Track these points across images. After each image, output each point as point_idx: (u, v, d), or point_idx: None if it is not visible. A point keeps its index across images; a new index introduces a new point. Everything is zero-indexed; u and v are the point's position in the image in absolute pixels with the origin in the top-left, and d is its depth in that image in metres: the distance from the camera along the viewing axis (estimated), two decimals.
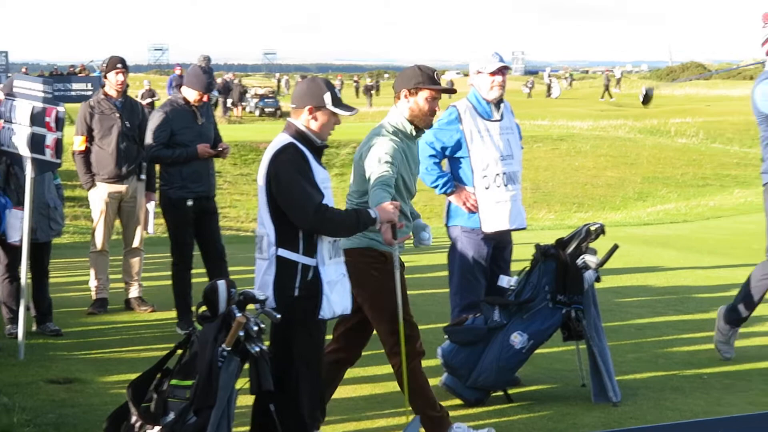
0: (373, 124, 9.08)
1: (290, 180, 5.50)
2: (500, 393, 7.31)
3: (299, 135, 5.67)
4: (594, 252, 7.28)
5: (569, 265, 7.17)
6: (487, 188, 7.52)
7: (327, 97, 5.67)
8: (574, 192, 27.05)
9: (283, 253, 5.54)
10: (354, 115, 5.84)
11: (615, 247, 7.50)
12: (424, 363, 6.38)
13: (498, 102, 7.65)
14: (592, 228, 7.30)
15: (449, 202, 7.73)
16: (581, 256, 7.21)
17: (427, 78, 6.36)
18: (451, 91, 6.79)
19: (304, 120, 5.69)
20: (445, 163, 7.72)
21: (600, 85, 78.18)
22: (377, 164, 6.10)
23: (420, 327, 6.38)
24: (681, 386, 7.74)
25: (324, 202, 5.52)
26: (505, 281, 7.34)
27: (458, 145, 7.57)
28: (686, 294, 11.47)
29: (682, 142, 38.82)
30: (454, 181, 7.62)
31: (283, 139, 5.69)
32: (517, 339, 7.07)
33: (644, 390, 7.61)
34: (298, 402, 5.59)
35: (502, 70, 7.61)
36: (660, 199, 26.71)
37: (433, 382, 6.58)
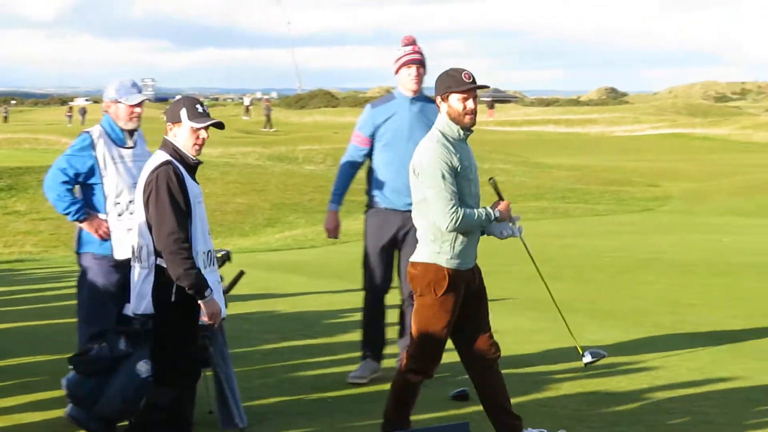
0: None
1: (156, 201, 5.99)
2: None
3: (174, 152, 6.13)
4: (220, 278, 7.41)
5: None
6: (119, 215, 7.53)
7: (183, 113, 6.11)
8: None
9: (162, 262, 6.05)
10: (213, 125, 6.19)
11: (241, 273, 7.68)
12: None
13: (132, 129, 7.69)
14: (218, 255, 7.41)
15: (80, 229, 7.66)
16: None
17: (454, 81, 6.52)
18: (481, 87, 6.71)
19: (171, 137, 6.15)
20: (77, 189, 7.65)
21: (233, 113, 78.75)
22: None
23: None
24: (307, 410, 7.99)
25: (194, 218, 6.06)
26: (130, 309, 7.34)
27: (91, 172, 7.53)
28: (313, 318, 11.81)
29: (309, 168, 39.80)
30: (87, 208, 7.57)
31: (161, 157, 6.12)
32: (144, 368, 7.07)
33: (272, 415, 7.82)
34: (181, 402, 6.27)
35: (141, 103, 7.66)
36: (288, 225, 27.29)
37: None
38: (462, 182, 6.51)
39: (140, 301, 6.17)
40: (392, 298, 9.04)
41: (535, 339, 10.56)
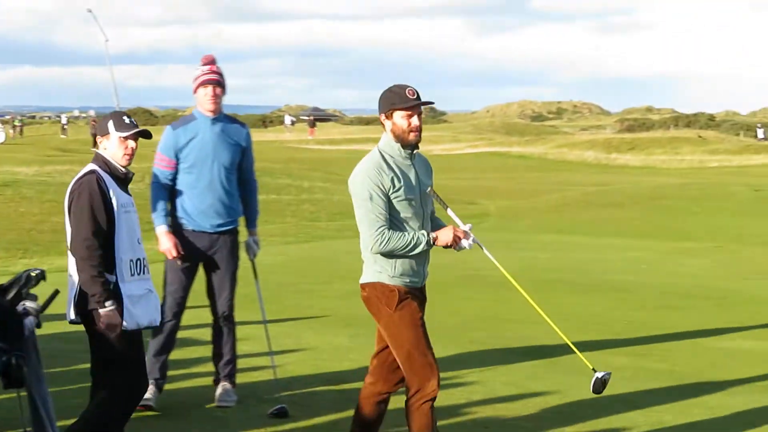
0: None
1: (76, 209, 6.28)
2: None
3: (103, 163, 6.37)
4: (35, 298, 7.26)
5: (9, 312, 7.09)
6: None
7: (110, 125, 6.38)
8: (20, 238, 26.51)
9: None
10: (140, 134, 6.45)
11: (56, 293, 7.51)
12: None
13: None
14: (33, 273, 7.27)
15: None
16: (21, 302, 7.16)
17: (398, 98, 6.42)
18: (426, 103, 6.58)
19: (101, 149, 6.41)
20: None
21: (50, 131, 77.00)
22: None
23: None
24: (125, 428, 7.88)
25: (120, 227, 6.27)
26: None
27: None
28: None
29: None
30: None
31: (88, 167, 6.39)
32: None
33: None
34: (111, 406, 6.46)
35: None
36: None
37: None
38: (399, 204, 6.39)
39: (69, 309, 6.49)
40: (206, 316, 8.99)
41: (351, 356, 10.62)
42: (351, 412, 8.46)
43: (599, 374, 6.68)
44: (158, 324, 6.72)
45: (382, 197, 6.33)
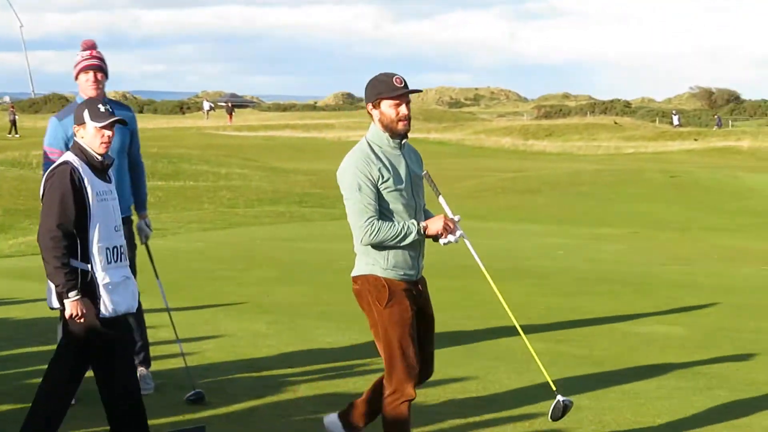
0: None
1: (46, 200, 6.36)
2: None
3: (80, 152, 6.42)
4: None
5: None
6: None
7: (86, 114, 6.43)
8: None
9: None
10: (116, 122, 6.46)
11: None
12: None
13: None
14: None
15: None
16: None
17: (385, 87, 6.25)
18: (413, 91, 6.36)
19: (79, 138, 6.45)
20: None
21: None
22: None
23: None
24: None
25: (95, 215, 6.31)
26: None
27: None
28: (47, 325, 11.42)
29: (41, 173, 38.68)
30: None
31: (64, 157, 6.46)
32: None
33: (8, 423, 7.66)
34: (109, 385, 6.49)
35: None
36: (22, 231, 26.45)
37: None
38: (389, 195, 6.26)
39: (49, 296, 6.51)
40: None
41: (268, 343, 10.57)
42: (269, 398, 8.46)
43: (561, 399, 6.60)
44: (134, 311, 6.72)
45: (371, 188, 6.20)
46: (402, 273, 6.34)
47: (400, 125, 6.30)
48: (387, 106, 6.28)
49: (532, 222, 27.41)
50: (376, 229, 6.17)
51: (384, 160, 6.28)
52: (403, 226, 6.21)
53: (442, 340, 10.84)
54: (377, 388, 6.63)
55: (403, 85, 6.29)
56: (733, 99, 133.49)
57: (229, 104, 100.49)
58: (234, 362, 9.73)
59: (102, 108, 6.50)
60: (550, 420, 6.69)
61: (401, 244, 6.25)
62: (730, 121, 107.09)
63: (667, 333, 11.61)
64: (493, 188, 34.40)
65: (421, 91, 6.81)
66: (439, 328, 11.46)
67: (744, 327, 12.12)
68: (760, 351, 10.65)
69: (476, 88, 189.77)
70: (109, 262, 6.42)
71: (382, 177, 6.23)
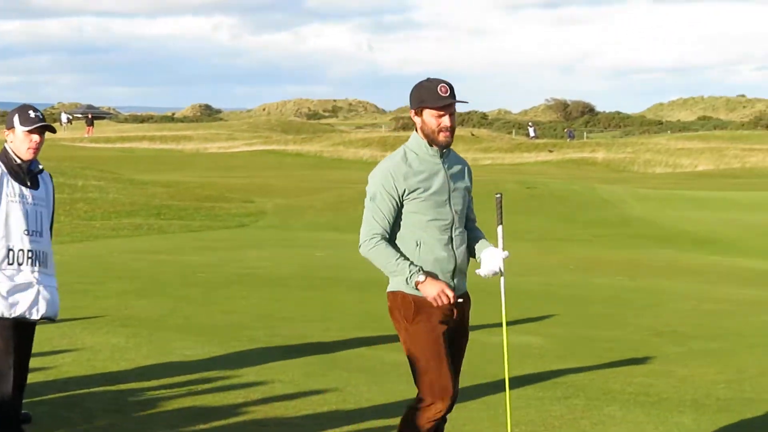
0: None
1: None
2: None
3: (3, 154, 6.61)
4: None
5: None
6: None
7: (15, 119, 6.59)
8: None
9: None
10: (45, 128, 6.59)
11: None
12: None
13: None
14: None
15: None
16: None
17: (429, 94, 5.94)
18: (459, 102, 6.00)
19: (8, 142, 6.61)
20: None
21: None
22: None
23: None
24: None
25: (9, 216, 6.44)
26: None
27: None
28: None
29: None
30: None
31: None
32: None
33: None
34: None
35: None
36: None
37: None
38: (421, 204, 5.95)
39: None
40: None
41: (128, 356, 10.47)
42: (129, 413, 8.37)
43: None
44: (31, 319, 6.61)
45: (389, 202, 5.94)
46: None
47: (441, 136, 5.99)
48: (429, 116, 5.98)
49: None
50: (373, 247, 6.00)
51: (419, 168, 6.00)
52: (396, 264, 5.94)
53: (301, 352, 10.90)
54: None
55: (448, 94, 5.97)
56: (587, 111, 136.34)
57: (89, 116, 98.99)
58: (92, 376, 9.61)
59: (32, 114, 6.63)
60: None
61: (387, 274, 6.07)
62: (584, 133, 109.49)
63: (525, 343, 11.81)
64: (352, 200, 34.49)
65: (467, 102, 6.38)
66: (296, 340, 11.56)
67: (599, 336, 12.40)
68: (614, 360, 10.92)
69: (334, 100, 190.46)
70: (10, 263, 6.50)
71: (413, 186, 5.95)
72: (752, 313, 14.20)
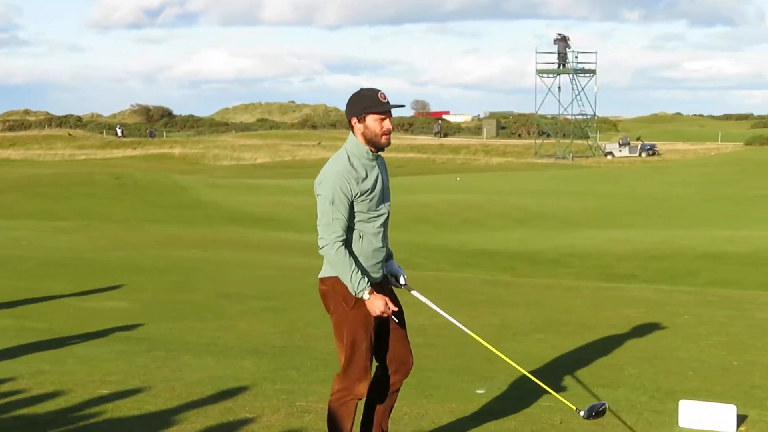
0: None
1: None
2: None
3: None
4: None
5: None
6: None
7: None
8: None
9: None
10: None
11: None
12: None
13: None
14: None
15: None
16: None
17: (372, 101, 5.48)
18: (396, 106, 5.41)
19: None
20: None
21: None
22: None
23: None
24: None
25: None
26: None
27: None
28: None
29: None
30: None
31: None
32: None
33: None
34: None
35: None
36: None
37: None
38: (363, 203, 5.48)
39: None
40: None
41: None
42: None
43: (583, 413, 5.89)
44: None
45: (345, 203, 5.46)
46: (368, 274, 5.61)
47: (384, 139, 5.59)
48: (372, 120, 5.55)
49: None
50: (336, 251, 5.46)
51: (361, 171, 5.57)
52: (353, 275, 5.47)
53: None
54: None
55: (387, 100, 5.62)
56: (166, 114, 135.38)
57: None
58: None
59: None
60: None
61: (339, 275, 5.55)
62: (164, 132, 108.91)
63: (114, 307, 11.65)
64: None
65: (403, 106, 5.97)
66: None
67: (176, 299, 12.42)
68: (188, 318, 10.99)
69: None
70: None
71: (360, 188, 5.55)
72: (301, 278, 14.68)
